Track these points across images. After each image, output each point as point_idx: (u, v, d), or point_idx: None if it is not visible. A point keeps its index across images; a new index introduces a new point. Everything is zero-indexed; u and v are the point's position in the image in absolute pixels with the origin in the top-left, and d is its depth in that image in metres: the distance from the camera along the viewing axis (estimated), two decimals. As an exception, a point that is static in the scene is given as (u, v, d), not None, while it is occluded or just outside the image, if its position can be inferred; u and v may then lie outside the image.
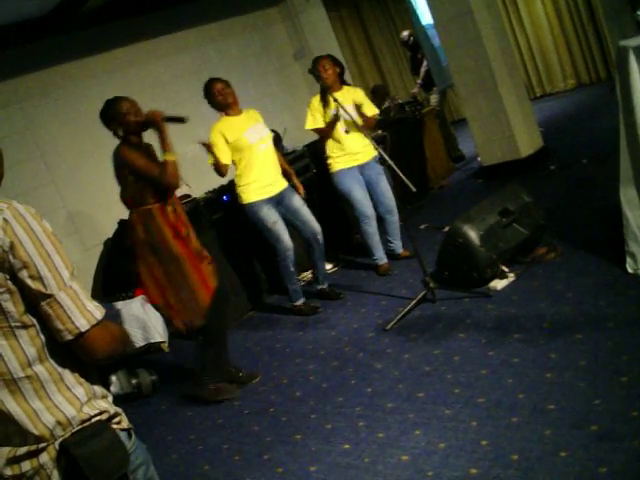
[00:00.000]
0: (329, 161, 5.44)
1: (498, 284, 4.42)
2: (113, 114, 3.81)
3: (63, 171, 6.04)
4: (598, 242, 4.51)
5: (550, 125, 8.82)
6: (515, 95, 7.04)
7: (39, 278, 1.57)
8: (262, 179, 4.95)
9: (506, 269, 4.50)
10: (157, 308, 4.12)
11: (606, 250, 4.30)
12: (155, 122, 3.83)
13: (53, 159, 6.05)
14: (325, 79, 5.19)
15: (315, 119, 5.34)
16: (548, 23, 11.04)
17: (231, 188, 5.48)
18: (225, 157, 4.90)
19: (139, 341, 5.18)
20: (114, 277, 5.99)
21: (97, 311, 1.65)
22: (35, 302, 1.59)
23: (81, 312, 1.61)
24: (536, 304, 4.01)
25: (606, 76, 10.57)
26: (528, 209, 4.74)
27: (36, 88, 6.06)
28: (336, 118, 5.17)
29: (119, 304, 5.29)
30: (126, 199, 3.88)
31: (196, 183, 6.65)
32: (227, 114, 4.97)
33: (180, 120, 3.92)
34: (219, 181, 5.59)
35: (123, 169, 3.79)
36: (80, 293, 1.64)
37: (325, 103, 5.20)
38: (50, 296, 1.58)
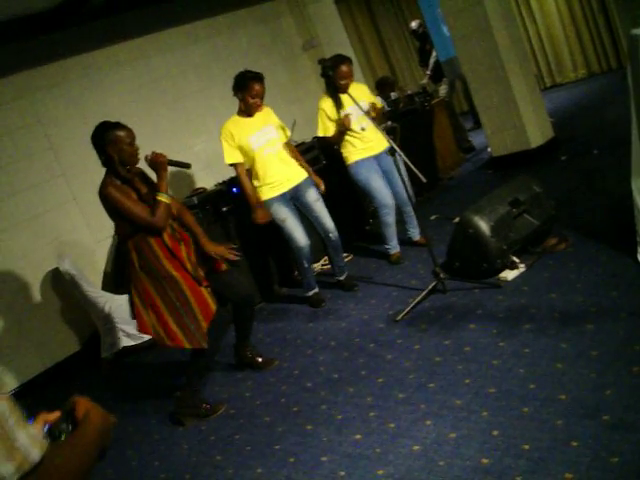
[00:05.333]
0: (345, 153, 5.43)
1: (509, 274, 4.42)
2: (113, 139, 3.67)
3: (73, 164, 6.06)
4: (609, 232, 4.49)
5: (561, 115, 8.77)
6: (525, 85, 7.01)
7: None
8: (271, 180, 4.98)
9: (517, 260, 4.49)
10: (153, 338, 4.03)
11: (617, 240, 4.29)
12: (160, 164, 3.78)
13: (63, 152, 6.07)
14: (344, 86, 5.16)
15: (326, 127, 5.35)
16: (558, 12, 10.97)
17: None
18: (235, 157, 4.92)
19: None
20: (124, 270, 6.01)
21: (33, 449, 1.10)
22: None
23: (7, 454, 1.06)
24: (547, 294, 4.00)
25: (617, 65, 10.51)
26: (539, 199, 4.73)
27: (46, 81, 6.08)
28: (344, 129, 5.19)
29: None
30: (120, 233, 3.85)
31: (205, 175, 6.69)
32: (239, 113, 4.98)
33: (184, 165, 3.94)
34: (229, 173, 5.61)
35: (110, 208, 3.72)
36: (7, 417, 1.09)
37: (339, 106, 5.18)
38: None
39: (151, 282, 3.79)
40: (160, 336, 3.83)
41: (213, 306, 3.84)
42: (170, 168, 3.88)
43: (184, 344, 3.81)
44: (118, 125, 3.74)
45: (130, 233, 3.77)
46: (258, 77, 4.86)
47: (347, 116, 5.15)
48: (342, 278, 5.42)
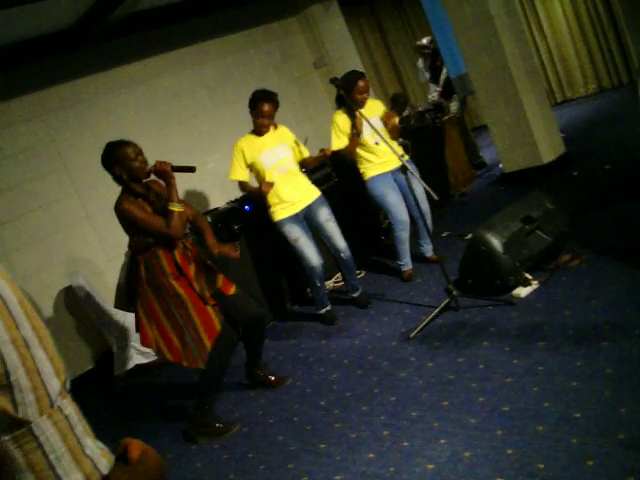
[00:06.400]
0: (362, 169, 5.43)
1: (522, 292, 4.40)
2: (118, 158, 3.74)
3: (86, 182, 6.10)
4: (622, 248, 4.47)
5: (572, 131, 8.76)
6: (536, 101, 7.01)
7: (7, 387, 0.93)
8: (283, 200, 4.99)
9: (530, 276, 4.47)
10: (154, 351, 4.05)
11: (631, 256, 4.27)
12: (165, 172, 3.80)
13: (76, 171, 6.12)
14: (361, 101, 5.20)
15: (341, 140, 5.35)
16: (568, 28, 10.98)
17: (253, 198, 5.52)
18: (239, 175, 4.97)
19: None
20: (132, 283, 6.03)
21: (103, 459, 1.02)
22: None
23: (76, 461, 0.96)
24: (560, 311, 3.98)
25: (628, 80, 10.50)
26: (551, 216, 4.72)
27: (59, 101, 6.14)
28: (358, 133, 5.20)
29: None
30: (133, 246, 3.88)
31: (218, 194, 6.72)
32: (254, 132, 5.02)
33: (189, 169, 3.94)
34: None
35: (126, 222, 3.77)
36: (76, 422, 0.99)
37: (354, 121, 5.18)
38: (22, 424, 0.94)
39: (156, 298, 3.82)
40: (161, 350, 3.86)
41: (218, 326, 3.83)
42: (180, 182, 3.90)
43: (182, 361, 3.83)
44: (121, 143, 3.80)
45: (145, 247, 3.80)
46: (267, 97, 4.90)
47: (359, 119, 5.13)
48: (356, 295, 5.42)
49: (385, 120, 5.32)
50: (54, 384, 0.95)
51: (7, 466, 0.94)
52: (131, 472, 1.04)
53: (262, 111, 4.90)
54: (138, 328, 3.92)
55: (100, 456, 1.00)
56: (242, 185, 5.10)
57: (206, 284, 3.94)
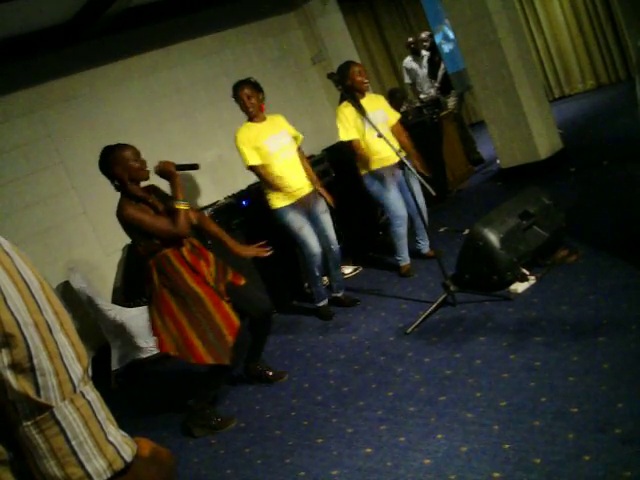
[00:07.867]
0: (359, 163, 5.43)
1: (519, 287, 4.40)
2: (115, 161, 3.74)
3: (84, 177, 6.09)
4: (620, 244, 4.47)
5: (569, 127, 8.76)
6: (534, 97, 7.01)
7: (30, 370, 0.92)
8: (285, 187, 4.97)
9: (527, 272, 4.47)
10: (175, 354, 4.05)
11: (628, 252, 4.27)
12: (169, 172, 3.80)
13: (74, 165, 6.10)
14: (361, 83, 5.20)
15: (347, 131, 5.30)
16: (566, 24, 10.98)
17: (250, 193, 5.50)
18: (254, 159, 4.92)
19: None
20: (134, 283, 6.03)
21: (125, 446, 1.01)
22: (12, 419, 0.94)
23: (98, 447, 0.97)
24: (557, 307, 3.98)
25: (625, 76, 10.50)
26: (548, 211, 4.72)
27: (57, 95, 6.12)
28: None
29: (140, 309, 5.32)
30: (141, 252, 3.86)
31: (215, 188, 6.71)
32: (250, 120, 5.00)
33: (193, 167, 3.96)
34: (238, 186, 5.63)
35: (130, 228, 3.76)
36: (99, 408, 1.01)
37: (362, 112, 5.04)
38: (44, 409, 0.94)
39: (173, 298, 3.80)
40: (183, 353, 3.82)
41: (237, 321, 3.84)
42: (182, 176, 3.90)
43: (206, 359, 3.78)
44: (119, 145, 3.81)
45: (153, 251, 3.79)
46: (243, 82, 4.95)
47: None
48: (340, 295, 5.41)
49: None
50: (76, 369, 0.96)
51: (28, 452, 0.94)
52: (150, 463, 1.06)
53: (246, 93, 4.90)
54: (154, 333, 3.90)
55: (123, 444, 1.00)
56: (258, 171, 4.97)
57: (218, 279, 3.95)
